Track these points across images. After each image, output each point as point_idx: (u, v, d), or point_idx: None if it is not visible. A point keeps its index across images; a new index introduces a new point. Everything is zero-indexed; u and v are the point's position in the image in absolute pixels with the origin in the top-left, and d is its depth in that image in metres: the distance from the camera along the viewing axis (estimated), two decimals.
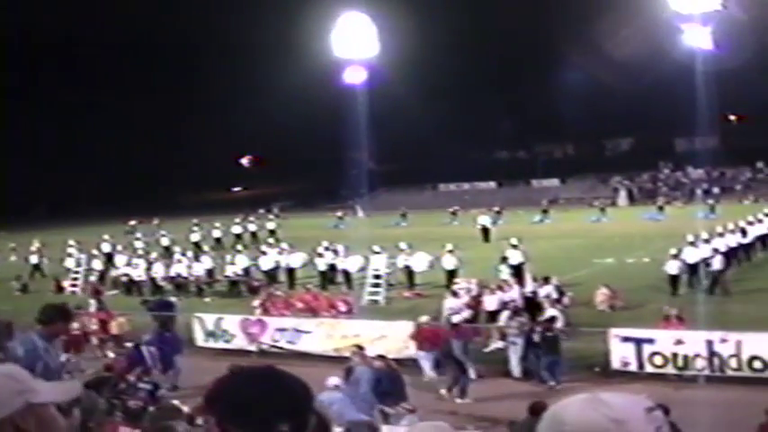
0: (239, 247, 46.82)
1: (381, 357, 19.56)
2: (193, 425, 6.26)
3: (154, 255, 46.55)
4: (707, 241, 34.88)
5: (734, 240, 37.59)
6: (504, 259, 34.34)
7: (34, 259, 51.15)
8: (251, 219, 66.28)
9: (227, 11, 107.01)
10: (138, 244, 55.19)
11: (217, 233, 60.25)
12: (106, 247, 51.44)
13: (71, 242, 51.61)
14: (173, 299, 32.11)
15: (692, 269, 33.11)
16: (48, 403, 2.94)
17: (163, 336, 23.10)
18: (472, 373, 21.76)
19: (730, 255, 35.80)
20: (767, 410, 14.27)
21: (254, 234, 61.51)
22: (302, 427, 2.59)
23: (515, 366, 22.66)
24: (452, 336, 22.78)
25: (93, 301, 35.74)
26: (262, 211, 79.14)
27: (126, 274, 42.78)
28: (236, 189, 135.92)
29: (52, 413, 2.93)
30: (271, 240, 51.49)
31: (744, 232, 39.40)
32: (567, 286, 32.37)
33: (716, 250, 33.13)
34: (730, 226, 38.91)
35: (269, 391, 2.61)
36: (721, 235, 36.94)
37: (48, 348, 8.75)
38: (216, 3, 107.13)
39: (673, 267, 32.32)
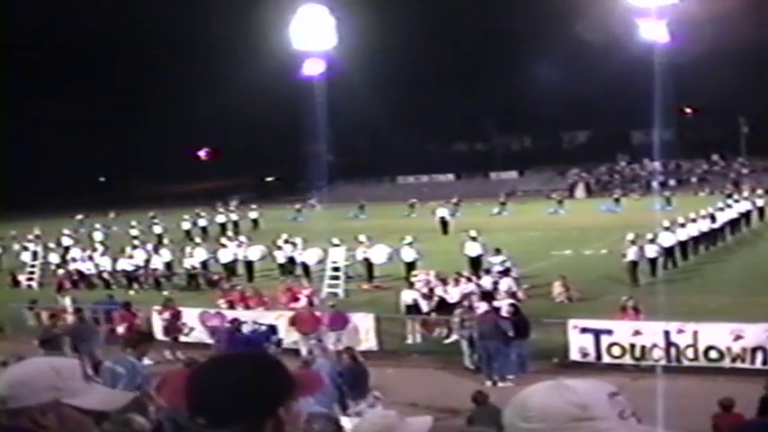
0: (197, 239, 46.56)
1: (348, 350, 19.54)
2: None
3: (100, 248, 46.01)
4: (683, 226, 37.34)
5: (705, 226, 39.78)
6: (498, 251, 34.25)
7: None
8: (221, 210, 66.03)
9: (184, 2, 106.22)
10: (98, 236, 54.88)
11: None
12: (66, 241, 50.98)
13: (30, 236, 51.06)
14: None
15: (668, 252, 35.06)
16: (84, 407, 2.90)
17: (235, 336, 23.22)
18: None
19: (700, 240, 38.75)
20: (720, 402, 14.42)
21: (223, 226, 61.31)
22: (269, 421, 2.54)
23: (467, 358, 22.76)
24: (325, 324, 23.88)
25: (60, 296, 35.34)
26: (219, 203, 78.80)
27: (77, 269, 42.44)
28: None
29: (79, 417, 2.88)
30: (230, 233, 51.32)
31: (713, 218, 41.33)
32: (526, 278, 32.60)
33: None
34: (702, 212, 40.86)
35: (241, 382, 2.54)
36: (694, 221, 38.97)
37: (140, 366, 11.28)
38: None
39: (631, 254, 32.64)
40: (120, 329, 24.92)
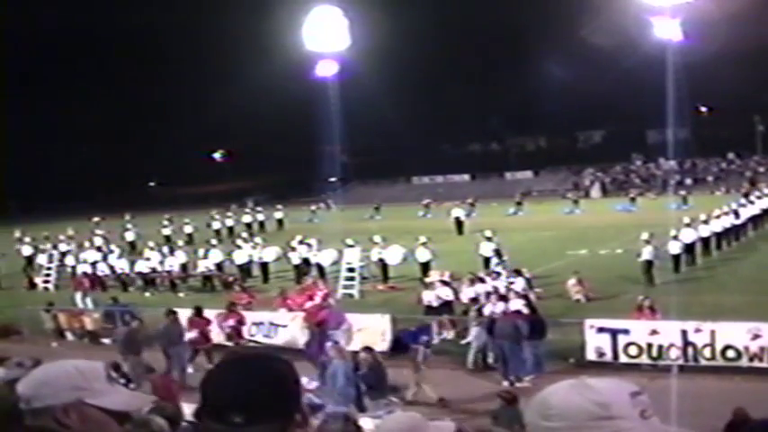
0: (213, 241, 46.62)
1: (368, 350, 19.52)
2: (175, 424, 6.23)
3: (116, 250, 46.19)
4: (706, 222, 38.19)
5: (728, 222, 40.53)
6: (498, 253, 34.23)
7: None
8: (228, 214, 66.16)
9: (198, 5, 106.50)
10: (129, 236, 55.46)
11: (188, 228, 60.17)
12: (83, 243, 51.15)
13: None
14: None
15: (689, 249, 35.43)
16: (107, 408, 2.91)
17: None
18: None
19: (723, 236, 39.59)
20: (734, 411, 14.31)
21: (248, 226, 61.81)
22: (286, 422, 2.56)
23: (470, 359, 22.71)
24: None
25: (78, 295, 35.46)
26: (234, 206, 78.94)
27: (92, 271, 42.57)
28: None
29: (102, 417, 2.89)
30: (245, 235, 51.40)
31: (737, 214, 42.17)
32: (541, 278, 32.50)
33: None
34: (725, 208, 41.72)
35: (278, 379, 2.60)
36: (717, 217, 39.95)
37: None
38: None
39: (646, 254, 32.55)
40: (192, 335, 24.27)
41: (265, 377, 2.55)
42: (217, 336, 25.44)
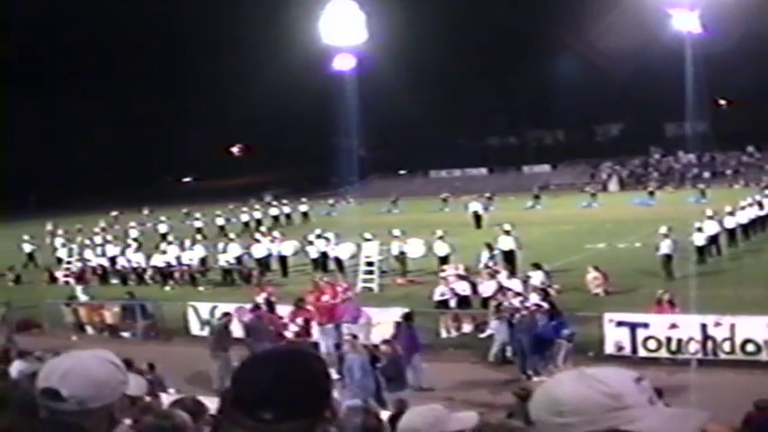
0: (232, 235, 46.76)
1: (387, 342, 19.55)
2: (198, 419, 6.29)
3: (134, 244, 46.48)
4: (731, 213, 38.68)
5: (753, 213, 41.23)
6: (489, 246, 34.11)
7: (27, 248, 51.01)
8: (243, 209, 66.40)
9: (216, 1, 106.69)
10: (133, 233, 55.41)
11: (220, 221, 60.87)
12: (98, 239, 51.35)
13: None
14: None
15: (713, 240, 35.83)
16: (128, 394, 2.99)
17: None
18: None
19: (749, 227, 40.14)
20: (756, 403, 14.27)
21: (258, 222, 62.12)
22: (315, 419, 2.55)
23: (492, 351, 22.72)
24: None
25: (79, 288, 35.79)
26: (253, 200, 79.15)
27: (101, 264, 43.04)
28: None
29: (126, 404, 2.97)
30: (263, 228, 51.55)
31: (761, 205, 42.84)
32: (560, 272, 32.44)
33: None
34: (749, 200, 42.55)
35: (308, 376, 2.57)
36: (742, 208, 40.70)
37: None
38: None
39: (665, 247, 32.47)
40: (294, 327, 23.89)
41: (296, 373, 2.52)
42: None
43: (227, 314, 24.24)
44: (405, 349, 20.09)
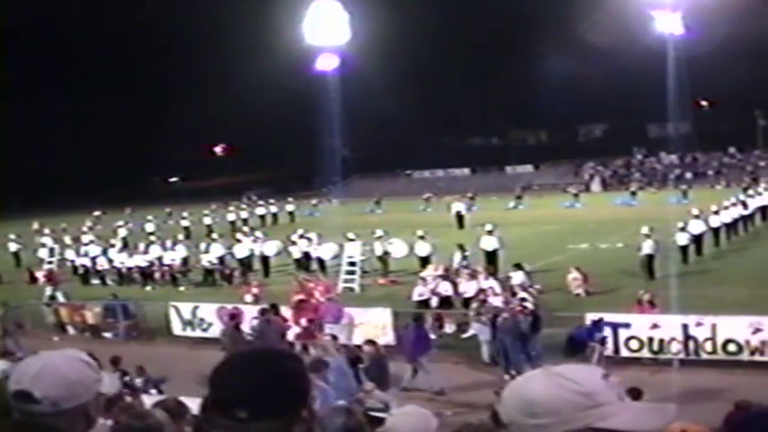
0: (214, 235, 46.66)
1: (371, 342, 19.49)
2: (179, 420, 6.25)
3: (117, 244, 46.31)
4: (716, 213, 38.99)
5: (737, 212, 41.41)
6: (461, 247, 34.01)
7: (13, 247, 50.74)
8: (230, 208, 66.38)
9: (199, 0, 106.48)
10: (122, 232, 55.35)
11: (186, 222, 60.76)
12: (85, 238, 51.17)
13: (46, 231, 51.35)
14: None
15: (697, 240, 35.99)
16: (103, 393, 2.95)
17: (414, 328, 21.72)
18: None
19: (731, 227, 40.40)
20: (737, 404, 14.29)
21: (245, 221, 62.32)
22: (291, 419, 2.52)
23: (485, 352, 22.72)
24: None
25: (48, 289, 35.67)
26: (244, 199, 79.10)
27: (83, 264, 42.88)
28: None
29: (101, 402, 2.93)
30: (245, 228, 51.44)
31: (745, 205, 43.17)
32: (542, 272, 32.47)
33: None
34: (732, 200, 42.77)
35: (285, 375, 2.56)
36: (726, 208, 40.89)
37: None
38: None
39: (647, 248, 32.51)
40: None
41: (272, 373, 2.52)
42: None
43: (233, 317, 24.07)
44: (413, 350, 20.38)
